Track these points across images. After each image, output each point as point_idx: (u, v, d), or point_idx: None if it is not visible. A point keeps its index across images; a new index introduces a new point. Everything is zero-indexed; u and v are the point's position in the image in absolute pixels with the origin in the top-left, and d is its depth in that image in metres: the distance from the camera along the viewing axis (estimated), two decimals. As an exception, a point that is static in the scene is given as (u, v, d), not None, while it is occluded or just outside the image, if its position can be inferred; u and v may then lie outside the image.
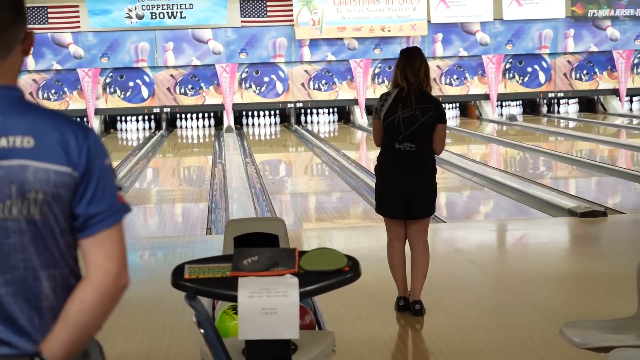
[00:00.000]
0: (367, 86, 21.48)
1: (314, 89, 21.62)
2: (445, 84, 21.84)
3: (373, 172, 5.79)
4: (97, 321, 1.98)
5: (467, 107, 22.82)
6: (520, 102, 22.82)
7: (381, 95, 5.61)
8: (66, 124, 1.97)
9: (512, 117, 21.79)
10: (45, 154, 1.93)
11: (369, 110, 20.38)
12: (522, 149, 15.74)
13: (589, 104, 23.26)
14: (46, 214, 1.94)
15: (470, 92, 22.06)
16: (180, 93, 21.25)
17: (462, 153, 15.30)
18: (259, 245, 4.22)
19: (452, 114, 22.27)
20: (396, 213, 5.55)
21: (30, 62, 20.34)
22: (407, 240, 5.70)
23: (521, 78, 22.23)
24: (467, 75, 21.98)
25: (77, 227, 1.98)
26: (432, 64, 21.43)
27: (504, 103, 22.51)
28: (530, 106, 23.03)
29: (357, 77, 21.45)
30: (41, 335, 1.96)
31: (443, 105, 5.76)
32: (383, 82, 21.38)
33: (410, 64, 5.41)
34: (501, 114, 22.32)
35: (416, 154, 5.43)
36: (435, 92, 21.33)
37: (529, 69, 22.21)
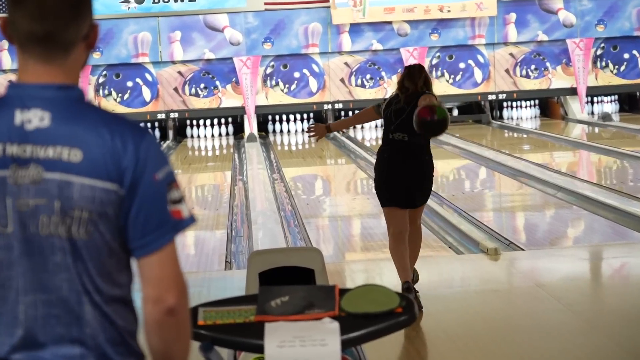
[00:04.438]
0: (423, 81, 21.44)
1: (356, 85, 21.66)
2: (521, 76, 21.74)
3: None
4: (165, 345, 2.23)
5: (549, 104, 22.73)
6: (616, 97, 22.68)
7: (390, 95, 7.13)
8: (118, 133, 2.15)
9: (606, 117, 21.66)
10: (92, 169, 2.12)
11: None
12: (619, 155, 15.63)
13: None
14: (92, 234, 2.14)
15: (552, 85, 21.95)
16: (190, 94, 21.40)
17: (544, 162, 15.23)
18: (290, 283, 4.24)
19: (530, 114, 22.18)
20: (398, 201, 6.82)
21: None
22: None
23: (616, 67, 22.09)
24: (547, 65, 21.88)
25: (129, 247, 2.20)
26: (504, 51, 21.41)
27: (595, 99, 22.39)
28: (629, 102, 22.89)
29: (409, 70, 21.42)
30: None
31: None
32: (442, 75, 21.30)
33: (411, 78, 6.78)
34: (592, 113, 22.20)
35: (408, 144, 6.79)
36: (509, 86, 21.41)
37: (626, 56, 22.07)
